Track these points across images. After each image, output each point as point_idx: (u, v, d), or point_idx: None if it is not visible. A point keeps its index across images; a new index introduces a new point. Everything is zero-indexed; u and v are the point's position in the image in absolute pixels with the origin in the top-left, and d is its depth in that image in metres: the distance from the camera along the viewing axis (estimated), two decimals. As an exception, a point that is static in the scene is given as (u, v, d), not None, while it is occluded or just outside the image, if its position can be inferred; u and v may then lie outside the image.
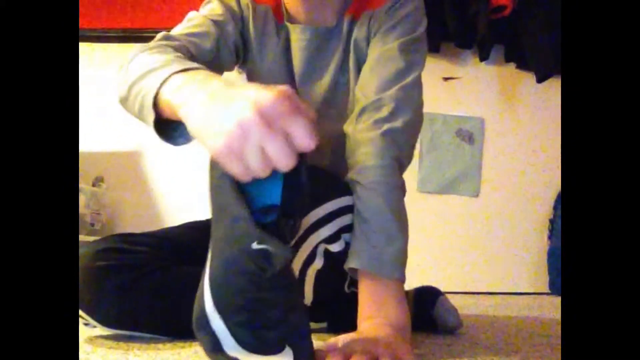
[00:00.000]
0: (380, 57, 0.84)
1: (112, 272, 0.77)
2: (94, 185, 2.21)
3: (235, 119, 0.47)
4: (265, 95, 0.48)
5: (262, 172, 0.48)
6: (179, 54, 0.71)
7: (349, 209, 0.76)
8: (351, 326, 0.80)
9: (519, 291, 2.25)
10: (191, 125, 0.53)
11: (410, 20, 0.86)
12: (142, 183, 2.34)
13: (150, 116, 0.62)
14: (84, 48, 2.43)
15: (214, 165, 0.55)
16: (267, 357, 0.54)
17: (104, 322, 0.77)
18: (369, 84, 0.83)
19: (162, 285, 0.79)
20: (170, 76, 0.60)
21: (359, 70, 0.87)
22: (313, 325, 0.86)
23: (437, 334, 0.89)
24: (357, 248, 0.72)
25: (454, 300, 0.95)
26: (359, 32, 0.87)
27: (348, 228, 0.76)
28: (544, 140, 2.31)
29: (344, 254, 0.75)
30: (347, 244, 0.76)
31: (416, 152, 1.85)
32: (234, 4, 0.90)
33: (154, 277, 0.79)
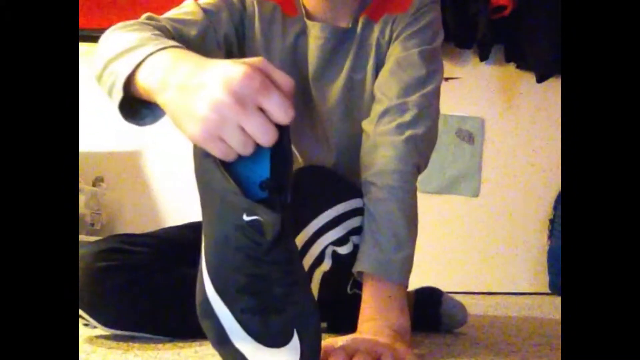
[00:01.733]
0: (402, 61, 0.84)
1: (113, 272, 0.77)
2: (94, 185, 2.21)
3: (209, 104, 0.47)
4: (235, 73, 0.47)
5: (245, 150, 0.49)
6: (157, 32, 0.70)
7: (359, 212, 0.76)
8: (351, 327, 0.81)
9: (519, 291, 2.25)
10: (169, 114, 0.54)
11: (431, 30, 0.86)
12: (142, 183, 2.34)
13: (119, 95, 0.63)
14: (84, 48, 2.43)
15: (197, 150, 0.55)
16: (274, 351, 0.54)
17: (104, 322, 0.78)
18: (390, 87, 0.82)
19: (162, 286, 0.79)
20: (145, 58, 0.59)
21: (377, 71, 0.86)
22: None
23: (438, 334, 0.89)
24: (366, 251, 0.72)
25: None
26: (380, 34, 0.87)
27: (357, 230, 0.76)
28: (544, 140, 2.31)
29: (351, 257, 0.75)
30: (356, 247, 0.76)
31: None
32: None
33: (154, 277, 0.79)
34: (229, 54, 0.86)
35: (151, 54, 0.59)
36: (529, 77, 2.28)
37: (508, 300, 1.92)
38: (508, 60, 2.31)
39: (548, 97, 2.30)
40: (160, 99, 0.55)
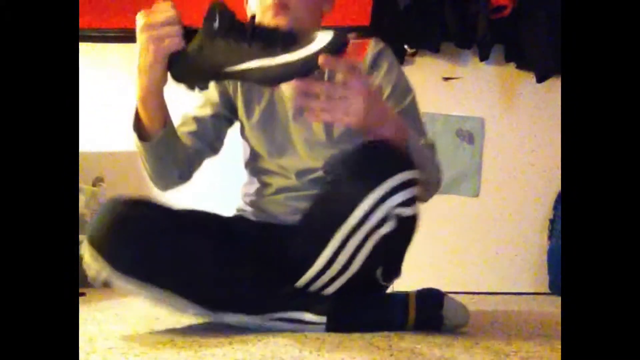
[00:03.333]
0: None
1: (135, 220, 0.87)
2: (94, 185, 2.21)
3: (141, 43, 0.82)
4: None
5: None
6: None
7: (417, 182, 0.86)
8: (348, 328, 0.83)
9: (519, 291, 2.25)
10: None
11: (398, 89, 1.04)
12: (142, 183, 2.33)
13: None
14: (84, 48, 2.43)
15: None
16: None
17: (120, 267, 0.85)
18: None
19: (178, 245, 0.89)
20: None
21: None
22: (312, 317, 0.89)
23: (438, 334, 0.89)
24: None
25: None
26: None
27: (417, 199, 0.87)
28: (544, 140, 2.31)
29: (413, 220, 0.87)
30: (416, 214, 0.88)
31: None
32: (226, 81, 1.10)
33: (172, 234, 0.89)
34: (231, 122, 1.15)
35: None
36: (529, 77, 2.28)
37: (508, 300, 1.92)
38: (508, 60, 2.31)
39: (548, 97, 2.30)
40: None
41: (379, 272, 0.94)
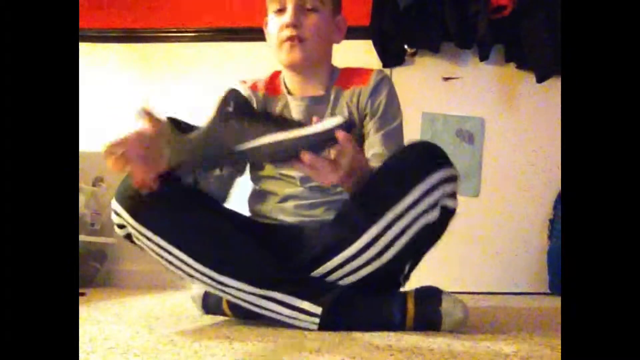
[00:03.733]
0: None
1: (163, 183, 0.90)
2: (94, 185, 2.21)
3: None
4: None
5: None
6: None
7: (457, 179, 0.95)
8: (344, 323, 0.89)
9: (519, 291, 2.25)
10: None
11: (389, 113, 1.14)
12: (142, 183, 2.33)
13: None
14: (84, 48, 2.43)
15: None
16: None
17: (142, 222, 0.94)
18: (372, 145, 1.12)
19: (201, 215, 0.96)
20: None
21: None
22: (309, 306, 0.90)
23: (438, 334, 0.89)
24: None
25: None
26: (349, 100, 1.15)
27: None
28: (544, 140, 2.30)
29: (451, 216, 0.96)
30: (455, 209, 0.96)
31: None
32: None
33: (195, 205, 0.97)
34: None
35: None
36: (529, 77, 2.28)
37: (508, 300, 1.92)
38: (508, 60, 2.31)
39: (548, 97, 2.30)
40: None
41: (407, 267, 1.01)
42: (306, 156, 0.82)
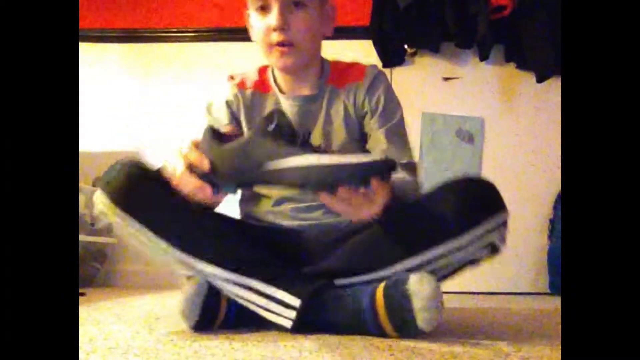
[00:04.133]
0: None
1: (150, 177, 0.91)
2: (94, 185, 2.21)
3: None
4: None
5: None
6: None
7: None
8: (317, 314, 0.86)
9: (519, 291, 2.25)
10: None
11: (388, 110, 1.11)
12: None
13: None
14: (84, 48, 2.43)
15: None
16: None
17: (126, 208, 0.91)
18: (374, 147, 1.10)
19: (206, 212, 0.94)
20: None
21: (346, 124, 1.11)
22: (286, 296, 0.87)
23: (437, 334, 0.89)
24: None
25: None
26: (346, 98, 1.12)
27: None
28: (544, 140, 2.31)
29: (498, 252, 0.92)
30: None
31: (416, 152, 1.84)
32: (231, 99, 1.14)
33: (180, 198, 0.91)
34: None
35: None
36: (529, 77, 2.28)
37: (508, 300, 1.92)
38: (508, 60, 2.31)
39: (548, 97, 2.30)
40: None
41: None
42: (343, 189, 0.78)
